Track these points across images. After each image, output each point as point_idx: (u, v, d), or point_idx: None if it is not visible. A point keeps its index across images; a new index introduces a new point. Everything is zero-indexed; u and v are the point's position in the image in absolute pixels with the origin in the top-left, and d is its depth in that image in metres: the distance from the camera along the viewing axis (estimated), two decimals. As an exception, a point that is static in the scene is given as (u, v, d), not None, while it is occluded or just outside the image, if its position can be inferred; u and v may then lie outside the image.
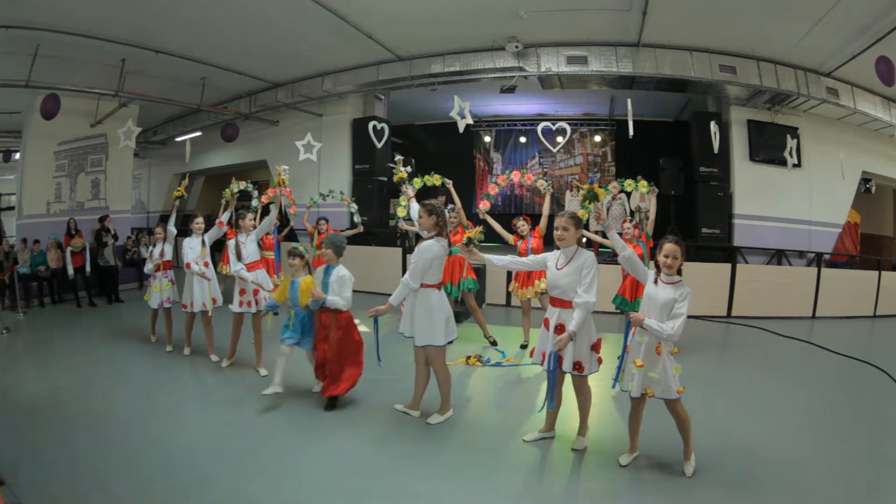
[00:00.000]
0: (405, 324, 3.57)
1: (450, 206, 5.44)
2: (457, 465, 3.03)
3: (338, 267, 3.74)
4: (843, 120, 8.08)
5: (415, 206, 3.87)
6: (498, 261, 3.34)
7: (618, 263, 6.63)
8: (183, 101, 8.73)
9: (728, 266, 7.51)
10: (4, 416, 3.62)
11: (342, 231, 7.07)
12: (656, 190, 4.78)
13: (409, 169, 4.27)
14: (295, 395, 4.05)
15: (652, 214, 5.04)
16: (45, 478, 2.80)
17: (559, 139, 9.17)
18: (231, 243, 4.67)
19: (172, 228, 5.23)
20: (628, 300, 4.89)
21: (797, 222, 8.06)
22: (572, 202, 9.47)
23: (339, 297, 3.64)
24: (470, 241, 3.41)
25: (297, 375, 4.20)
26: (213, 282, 5.01)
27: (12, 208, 12.13)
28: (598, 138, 11.24)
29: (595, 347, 3.08)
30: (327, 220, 6.65)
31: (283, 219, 6.78)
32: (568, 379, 3.21)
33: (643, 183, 4.48)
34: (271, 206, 4.67)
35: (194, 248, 4.99)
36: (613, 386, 3.05)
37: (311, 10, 5.97)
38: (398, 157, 4.30)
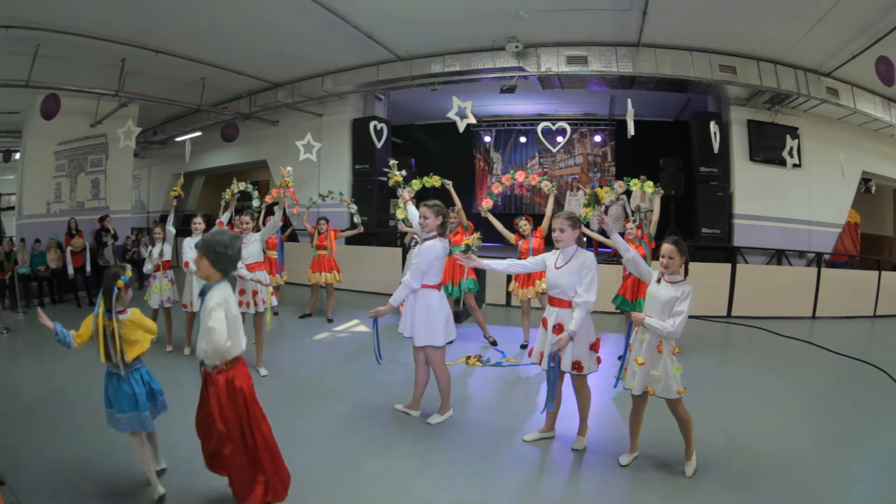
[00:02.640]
0: (404, 324, 3.57)
1: (450, 206, 5.44)
2: (457, 465, 3.02)
3: (217, 286, 2.30)
4: (843, 120, 8.08)
5: (413, 209, 3.85)
6: (497, 265, 3.35)
7: (618, 263, 6.66)
8: (183, 101, 8.73)
9: (728, 266, 7.52)
10: (4, 416, 3.62)
11: (342, 231, 7.07)
12: (661, 191, 4.78)
13: (403, 172, 4.26)
14: (292, 395, 4.05)
15: (655, 216, 5.04)
16: (45, 478, 2.80)
17: (559, 139, 9.16)
18: None
19: (171, 228, 5.24)
20: (629, 300, 4.88)
21: (797, 222, 8.06)
22: (573, 202, 9.47)
23: (202, 341, 2.24)
24: (468, 247, 3.41)
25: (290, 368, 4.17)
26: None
27: (12, 208, 12.13)
28: (598, 138, 11.23)
29: (594, 347, 3.08)
30: (328, 220, 6.65)
31: (285, 218, 6.78)
32: (567, 379, 3.21)
33: (649, 183, 4.49)
34: (275, 208, 4.66)
35: (193, 248, 4.98)
36: (615, 385, 3.07)
37: (311, 10, 5.96)
38: (392, 162, 4.29)
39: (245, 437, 2.34)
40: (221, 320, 2.21)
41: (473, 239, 3.48)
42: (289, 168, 4.60)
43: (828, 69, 6.88)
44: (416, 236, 5.82)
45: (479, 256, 3.40)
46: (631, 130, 5.62)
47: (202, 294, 2.33)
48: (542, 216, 5.09)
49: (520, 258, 4.70)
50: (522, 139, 11.65)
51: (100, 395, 2.67)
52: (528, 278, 5.31)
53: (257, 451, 2.36)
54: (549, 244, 4.05)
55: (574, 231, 3.08)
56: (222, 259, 2.30)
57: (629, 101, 5.69)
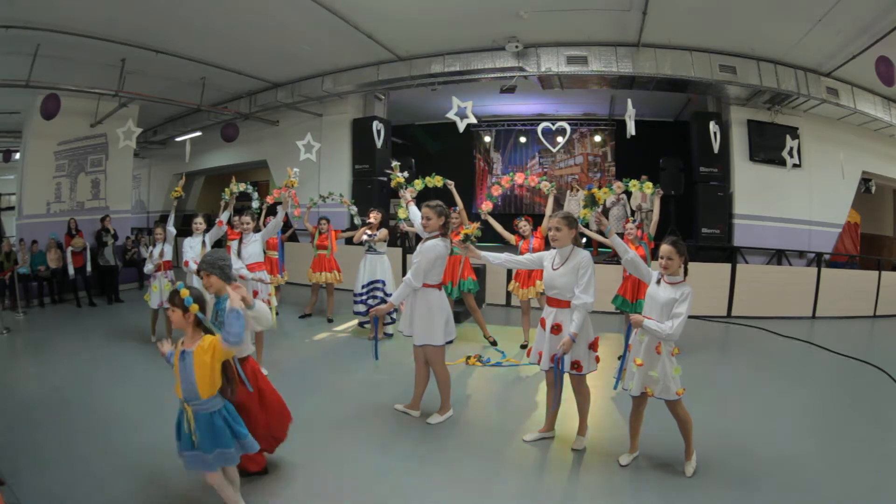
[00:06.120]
0: (404, 323, 3.58)
1: (451, 206, 5.44)
2: (457, 465, 3.03)
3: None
4: (843, 120, 8.08)
5: (414, 210, 3.85)
6: (494, 258, 3.35)
7: (619, 263, 6.65)
8: (183, 101, 8.73)
9: (728, 266, 7.51)
10: (4, 416, 3.62)
11: (342, 231, 7.07)
12: (661, 192, 4.77)
13: (405, 174, 4.27)
14: (292, 395, 4.04)
15: (656, 216, 5.03)
16: (45, 478, 2.80)
17: (559, 139, 9.17)
18: (234, 244, 4.68)
19: (171, 229, 5.25)
20: (629, 301, 4.88)
21: (797, 222, 8.06)
22: (572, 202, 9.47)
23: (252, 320, 2.67)
24: (467, 237, 3.42)
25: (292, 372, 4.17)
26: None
27: (12, 208, 12.13)
28: (598, 138, 11.23)
29: (593, 346, 3.08)
30: (328, 220, 6.65)
31: (286, 218, 6.77)
32: (566, 379, 3.21)
33: (648, 184, 4.49)
34: (278, 208, 4.67)
35: (194, 248, 5.00)
36: (615, 386, 3.06)
37: (310, 10, 5.96)
38: (395, 163, 4.30)
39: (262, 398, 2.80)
40: (263, 306, 2.73)
41: (472, 229, 3.48)
42: (296, 169, 4.63)
43: (828, 69, 6.88)
44: (365, 237, 5.77)
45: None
46: (631, 130, 5.62)
47: (219, 304, 2.65)
48: (542, 216, 5.09)
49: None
50: (522, 139, 11.65)
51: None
52: (529, 278, 5.31)
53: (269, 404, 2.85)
54: (549, 244, 4.05)
55: (570, 231, 3.07)
56: (227, 270, 2.68)
57: (629, 100, 5.69)
